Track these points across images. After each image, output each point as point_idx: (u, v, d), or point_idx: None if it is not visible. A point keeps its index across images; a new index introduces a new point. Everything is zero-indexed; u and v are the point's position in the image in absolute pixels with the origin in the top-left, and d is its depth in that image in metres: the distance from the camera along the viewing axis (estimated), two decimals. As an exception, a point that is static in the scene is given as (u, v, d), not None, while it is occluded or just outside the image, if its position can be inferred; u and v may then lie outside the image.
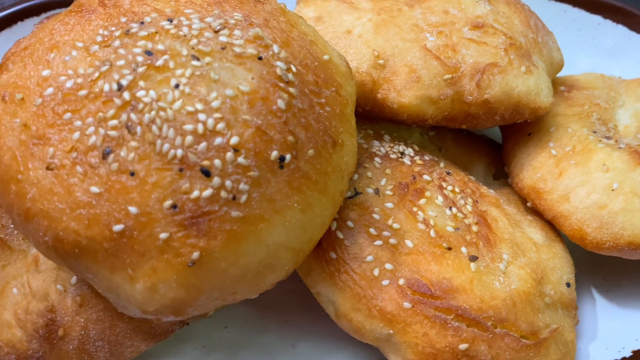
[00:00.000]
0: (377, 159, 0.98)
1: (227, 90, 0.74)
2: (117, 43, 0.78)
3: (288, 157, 0.76)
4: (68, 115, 0.75)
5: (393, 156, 1.00)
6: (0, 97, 0.80)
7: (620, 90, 1.17)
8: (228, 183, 0.73)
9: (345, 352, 1.02)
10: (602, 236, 0.95)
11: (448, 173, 1.01)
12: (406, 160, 1.00)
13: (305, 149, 0.78)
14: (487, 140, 1.19)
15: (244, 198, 0.74)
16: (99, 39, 0.79)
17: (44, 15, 1.22)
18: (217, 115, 0.73)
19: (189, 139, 0.72)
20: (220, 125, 0.73)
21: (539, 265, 0.93)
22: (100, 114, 0.74)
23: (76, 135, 0.74)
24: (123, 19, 0.80)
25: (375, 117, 1.05)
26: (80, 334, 0.89)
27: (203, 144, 0.72)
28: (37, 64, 0.80)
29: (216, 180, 0.72)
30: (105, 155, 0.73)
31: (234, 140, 0.73)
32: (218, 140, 0.73)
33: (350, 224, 0.91)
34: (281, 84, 0.77)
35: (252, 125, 0.74)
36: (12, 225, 0.93)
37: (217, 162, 0.72)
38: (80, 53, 0.78)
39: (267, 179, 0.75)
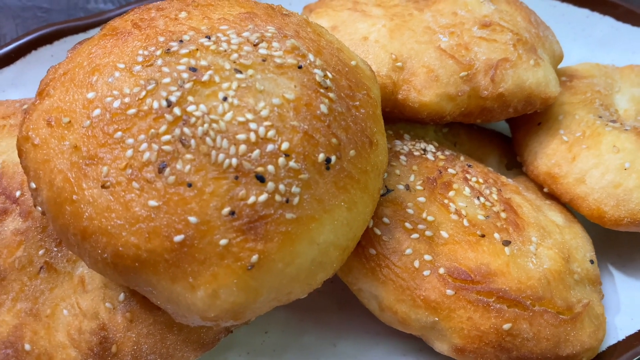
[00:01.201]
0: (402, 157, 1.02)
1: (273, 99, 0.78)
2: (159, 62, 0.81)
3: (333, 158, 0.80)
4: (119, 134, 0.78)
5: (416, 153, 1.04)
6: (45, 122, 0.82)
7: (616, 77, 1.24)
8: (281, 187, 0.76)
9: (384, 346, 1.05)
10: (619, 213, 1.01)
11: (469, 165, 1.06)
12: (429, 156, 1.04)
13: (347, 149, 0.82)
14: (497, 134, 1.25)
15: (296, 200, 0.77)
16: (140, 59, 0.82)
17: (56, 43, 1.24)
18: (267, 123, 0.77)
19: (242, 147, 0.76)
20: (270, 133, 0.76)
21: (564, 245, 0.98)
22: (153, 130, 0.77)
23: (129, 152, 0.77)
24: (161, 39, 0.83)
25: (392, 119, 1.10)
26: (132, 349, 0.91)
27: (256, 152, 0.76)
28: (80, 87, 0.82)
29: (270, 185, 0.76)
30: (161, 170, 0.76)
31: (285, 145, 0.76)
32: (270, 146, 0.76)
33: (386, 220, 0.95)
34: (322, 90, 0.81)
35: (300, 131, 0.77)
36: (55, 249, 0.94)
37: (270, 167, 0.76)
38: (123, 74, 0.81)
39: (316, 180, 0.79)
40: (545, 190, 1.10)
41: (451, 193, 0.98)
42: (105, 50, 0.85)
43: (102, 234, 0.76)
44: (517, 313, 0.89)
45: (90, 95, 0.81)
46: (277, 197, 0.76)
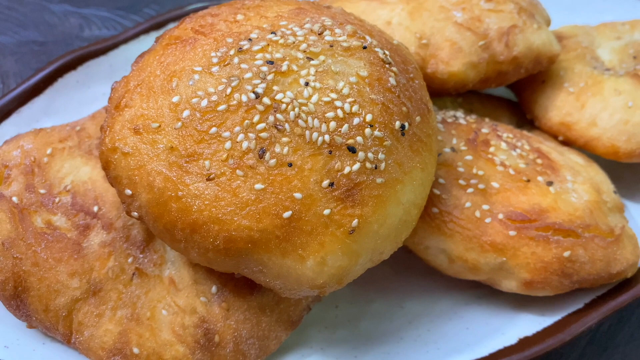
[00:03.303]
0: (439, 125, 1.13)
1: (350, 78, 0.86)
2: (236, 60, 0.87)
3: (406, 125, 0.89)
4: (214, 129, 0.84)
5: (450, 120, 1.15)
6: (132, 131, 0.87)
7: (594, 34, 1.40)
8: (370, 155, 0.84)
9: (447, 300, 1.14)
10: (631, 146, 1.15)
11: (495, 125, 1.18)
12: (461, 121, 1.15)
13: (414, 116, 0.91)
14: (503, 99, 1.38)
15: (383, 166, 0.85)
16: (215, 60, 0.88)
17: (80, 69, 1.27)
18: (350, 99, 0.85)
19: (332, 124, 0.83)
20: (355, 108, 0.84)
21: (593, 180, 1.11)
22: (247, 121, 0.83)
23: (228, 144, 0.83)
24: (229, 40, 0.90)
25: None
26: (233, 336, 0.96)
27: (345, 126, 0.84)
28: (162, 93, 0.87)
29: (361, 154, 0.84)
30: (261, 155, 0.82)
31: (369, 117, 0.85)
32: (356, 120, 0.84)
33: (441, 180, 1.04)
34: (386, 66, 0.90)
35: (378, 102, 0.86)
36: (141, 255, 0.98)
37: (359, 138, 0.84)
38: (203, 76, 0.87)
39: (396, 146, 0.87)
40: (560, 139, 1.23)
41: (492, 149, 1.09)
42: (175, 57, 0.90)
43: (214, 222, 0.82)
44: (572, 241, 1.00)
45: (175, 99, 0.86)
46: (368, 165, 0.84)
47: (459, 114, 1.18)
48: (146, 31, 1.33)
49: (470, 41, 1.13)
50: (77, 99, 1.28)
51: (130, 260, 0.97)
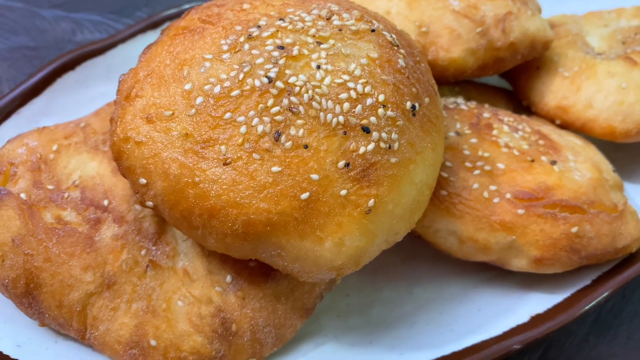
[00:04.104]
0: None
1: (361, 60, 0.87)
2: (246, 47, 0.88)
3: (417, 105, 0.90)
4: (228, 115, 0.84)
5: (451, 106, 1.17)
6: (145, 120, 0.87)
7: (582, 23, 1.44)
8: (384, 135, 0.85)
9: (457, 284, 1.15)
10: (627, 126, 1.18)
11: (495, 110, 1.20)
12: (463, 107, 1.17)
13: (423, 97, 0.92)
14: (497, 87, 1.40)
15: (396, 145, 0.87)
16: (225, 47, 0.88)
17: (78, 69, 1.27)
18: (362, 80, 0.86)
19: (346, 105, 0.84)
20: (367, 88, 0.86)
21: (593, 159, 1.14)
22: (261, 105, 0.84)
23: (243, 129, 0.83)
24: (238, 28, 0.91)
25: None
26: (250, 324, 0.96)
27: (359, 107, 0.85)
28: (173, 82, 0.88)
29: (375, 134, 0.85)
30: (277, 138, 0.83)
31: (381, 97, 0.86)
32: (369, 100, 0.85)
33: (448, 163, 1.06)
34: (395, 48, 0.91)
35: (390, 83, 0.87)
36: (154, 248, 0.97)
37: (372, 119, 0.85)
38: (214, 63, 0.88)
39: (407, 126, 0.88)
40: (557, 122, 1.26)
41: (495, 132, 1.11)
42: (185, 46, 0.91)
43: (232, 206, 0.82)
44: (579, 217, 1.02)
45: (188, 86, 0.86)
46: (382, 144, 0.85)
47: (460, 100, 1.20)
48: (143, 30, 1.33)
49: (468, 28, 1.15)
50: (76, 99, 1.27)
51: (143, 252, 0.96)
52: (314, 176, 0.82)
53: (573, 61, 1.27)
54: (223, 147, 0.83)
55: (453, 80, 1.22)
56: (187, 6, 1.40)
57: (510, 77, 1.37)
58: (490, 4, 1.18)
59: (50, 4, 1.66)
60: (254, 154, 0.82)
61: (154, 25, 1.34)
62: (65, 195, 0.98)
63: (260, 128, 0.83)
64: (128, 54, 1.31)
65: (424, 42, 1.14)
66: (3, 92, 1.47)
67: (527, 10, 1.21)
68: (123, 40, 1.31)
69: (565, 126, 1.26)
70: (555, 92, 1.25)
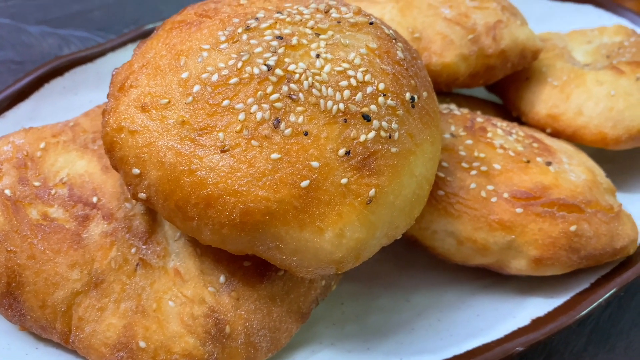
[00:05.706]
0: (436, 115, 1.14)
1: (361, 49, 0.87)
2: (245, 37, 0.87)
3: (416, 97, 0.90)
4: (226, 102, 0.82)
5: (445, 111, 1.17)
6: (139, 109, 0.85)
7: (566, 40, 1.47)
8: (384, 124, 0.84)
9: (454, 291, 1.13)
10: (618, 132, 1.19)
11: (488, 116, 1.20)
12: (456, 112, 1.17)
13: (422, 90, 0.92)
14: (487, 100, 1.42)
15: (396, 135, 0.86)
16: (223, 38, 0.88)
17: (67, 75, 1.25)
18: (362, 69, 0.85)
19: (346, 92, 0.83)
20: (367, 77, 0.85)
21: (586, 163, 1.14)
22: (260, 92, 0.82)
23: (242, 116, 0.82)
24: (236, 20, 0.90)
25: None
26: (244, 326, 0.92)
27: (359, 94, 0.84)
28: (169, 71, 0.86)
29: (375, 122, 0.84)
30: (276, 125, 0.81)
31: (382, 86, 0.85)
32: (369, 88, 0.85)
33: (444, 164, 1.05)
34: (393, 40, 0.91)
35: (390, 73, 0.87)
36: (144, 246, 0.93)
37: (373, 107, 0.84)
38: (211, 52, 0.87)
39: (407, 117, 0.88)
40: (548, 131, 1.27)
41: (489, 134, 1.11)
42: (182, 38, 0.90)
43: (230, 194, 0.79)
44: (577, 216, 1.01)
45: (185, 75, 0.85)
46: (382, 133, 0.84)
47: (452, 106, 1.20)
48: (133, 40, 1.33)
49: (460, 35, 1.16)
50: (63, 105, 1.24)
51: (133, 250, 0.92)
52: (314, 163, 0.80)
53: (562, 71, 1.29)
54: (221, 134, 0.81)
55: (445, 89, 1.23)
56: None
57: (500, 90, 1.39)
58: (481, 12, 1.21)
59: (37, 20, 1.65)
60: (252, 141, 0.81)
61: (144, 35, 1.33)
62: (53, 192, 0.94)
63: (259, 115, 0.81)
64: (118, 62, 1.28)
65: (416, 47, 1.15)
66: (-14, 104, 1.43)
67: (517, 20, 1.24)
68: (113, 49, 1.30)
69: (556, 134, 1.27)
70: (545, 101, 1.27)
